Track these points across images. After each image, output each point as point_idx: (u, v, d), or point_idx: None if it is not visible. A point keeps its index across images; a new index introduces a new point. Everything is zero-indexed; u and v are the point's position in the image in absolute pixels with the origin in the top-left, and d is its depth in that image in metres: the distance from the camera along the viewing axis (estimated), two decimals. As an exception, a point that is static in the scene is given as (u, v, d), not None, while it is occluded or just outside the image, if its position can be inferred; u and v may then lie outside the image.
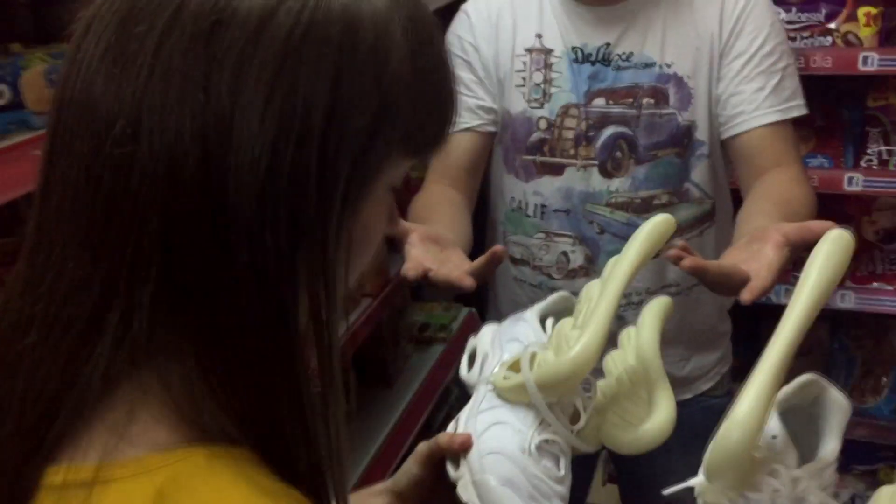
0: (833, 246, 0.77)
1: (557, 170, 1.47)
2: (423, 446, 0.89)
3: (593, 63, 1.44)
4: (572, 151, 1.46)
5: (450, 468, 0.88)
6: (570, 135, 1.45)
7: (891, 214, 2.29)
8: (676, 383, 1.52)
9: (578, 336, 0.86)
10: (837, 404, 0.82)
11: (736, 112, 1.42)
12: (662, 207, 1.45)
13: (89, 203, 0.53)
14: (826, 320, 2.42)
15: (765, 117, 1.41)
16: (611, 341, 0.90)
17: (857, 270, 2.25)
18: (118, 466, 0.52)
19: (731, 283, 1.09)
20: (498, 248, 1.15)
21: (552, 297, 1.04)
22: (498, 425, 0.88)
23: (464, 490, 0.85)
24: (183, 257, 0.52)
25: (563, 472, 0.87)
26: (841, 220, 1.19)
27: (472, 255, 1.24)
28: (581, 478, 1.73)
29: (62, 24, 0.58)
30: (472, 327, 2.15)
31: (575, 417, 0.89)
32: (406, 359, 2.33)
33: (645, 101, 1.44)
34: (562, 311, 1.01)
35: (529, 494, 0.84)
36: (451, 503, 0.86)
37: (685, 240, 1.45)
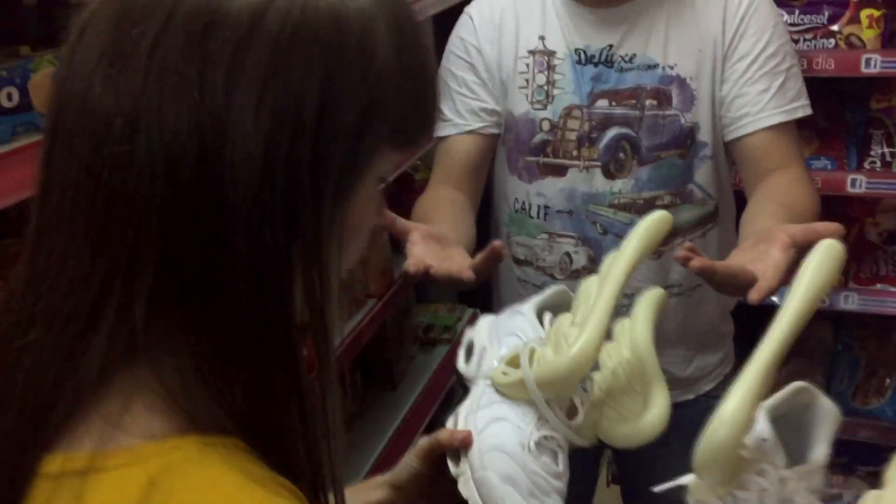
0: (825, 254, 0.79)
1: (560, 171, 1.47)
2: (423, 441, 0.90)
3: (596, 65, 1.45)
4: (575, 153, 1.46)
5: (450, 464, 0.89)
6: (573, 136, 1.46)
7: (894, 216, 2.29)
8: (679, 384, 1.54)
9: (578, 334, 0.87)
10: (827, 412, 0.85)
11: (741, 114, 1.42)
12: (665, 208, 1.45)
13: (89, 201, 0.54)
14: (830, 321, 2.42)
15: (770, 119, 1.42)
16: (608, 337, 0.91)
17: (860, 272, 2.25)
18: (112, 455, 0.53)
19: (738, 284, 1.09)
20: (497, 243, 1.15)
21: (549, 291, 1.05)
22: (498, 422, 0.89)
23: (465, 486, 0.86)
24: (181, 252, 0.53)
25: (561, 467, 0.88)
26: (844, 221, 1.20)
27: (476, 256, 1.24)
28: (586, 479, 1.73)
29: (70, 27, 0.59)
30: (476, 328, 2.14)
31: (572, 412, 0.90)
32: (410, 360, 2.34)
33: (648, 102, 1.44)
34: (558, 306, 1.01)
35: (529, 491, 0.85)
36: (451, 497, 0.87)
37: (688, 241, 1.46)
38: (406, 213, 1.38)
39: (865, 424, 2.23)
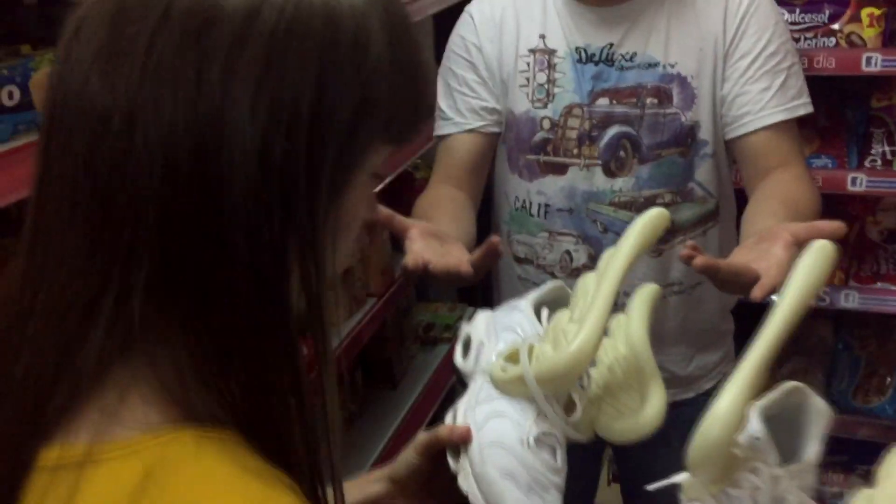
0: (817, 255, 0.81)
1: (561, 169, 1.48)
2: (422, 436, 0.90)
3: (597, 63, 1.45)
4: (575, 151, 1.46)
5: (450, 459, 0.89)
6: (573, 134, 1.46)
7: (895, 214, 2.29)
8: (679, 382, 1.55)
9: (576, 331, 0.87)
10: (819, 411, 0.86)
11: (742, 112, 1.43)
12: (666, 207, 1.45)
13: (86, 197, 0.55)
14: (830, 320, 2.42)
15: (771, 117, 1.42)
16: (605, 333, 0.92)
17: (861, 270, 2.25)
18: (108, 447, 0.54)
19: (741, 282, 1.09)
20: (494, 238, 1.15)
21: (546, 287, 1.05)
22: (497, 417, 0.89)
23: (465, 481, 0.86)
24: (177, 247, 0.54)
25: (559, 463, 0.89)
26: (845, 220, 1.20)
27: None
28: (588, 476, 1.74)
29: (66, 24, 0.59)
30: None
31: (569, 407, 0.91)
32: (411, 359, 2.34)
33: (648, 100, 1.44)
34: (556, 301, 1.02)
35: (528, 486, 0.85)
36: (449, 492, 0.87)
37: (688, 239, 1.46)
38: (406, 211, 1.38)
39: (866, 423, 2.23)
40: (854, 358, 2.38)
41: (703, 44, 1.44)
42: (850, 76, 2.09)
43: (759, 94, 1.42)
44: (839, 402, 2.30)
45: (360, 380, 2.16)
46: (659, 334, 1.45)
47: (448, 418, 0.92)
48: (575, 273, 1.49)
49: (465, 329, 1.04)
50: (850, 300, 2.19)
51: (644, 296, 0.95)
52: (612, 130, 1.45)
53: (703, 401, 1.70)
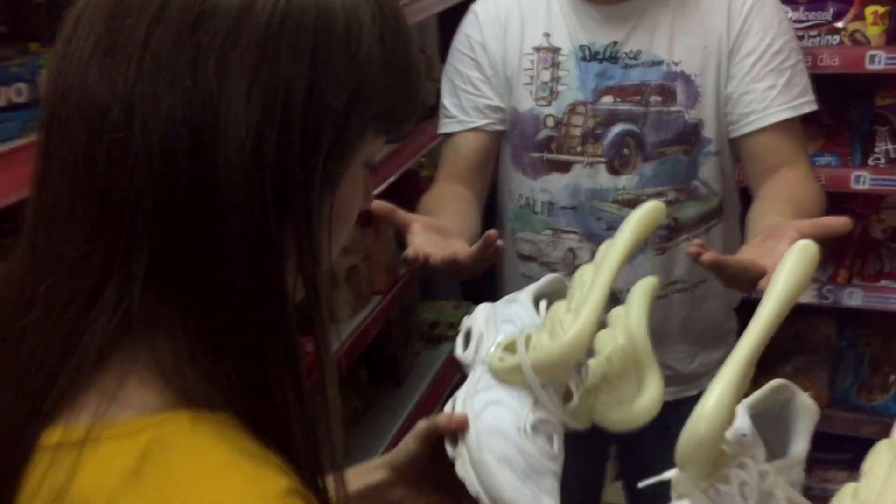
0: (800, 255, 0.82)
1: (565, 167, 1.48)
2: (421, 424, 0.92)
3: (601, 61, 1.46)
4: (579, 149, 1.47)
5: (448, 447, 0.90)
6: (577, 132, 1.47)
7: (899, 213, 2.30)
8: (682, 380, 1.55)
9: (572, 320, 0.89)
10: (806, 408, 0.88)
11: (747, 111, 1.43)
12: (669, 205, 1.46)
13: (87, 187, 0.56)
14: (834, 318, 2.42)
15: (776, 115, 1.42)
16: (603, 325, 0.93)
17: (865, 268, 2.26)
18: (107, 427, 0.55)
19: (748, 278, 1.10)
20: (491, 232, 1.16)
21: (545, 279, 1.07)
22: (494, 405, 0.90)
23: (462, 468, 0.88)
24: (175, 236, 0.56)
25: (556, 450, 0.90)
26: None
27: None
28: (594, 474, 1.75)
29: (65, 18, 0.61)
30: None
31: (568, 396, 0.92)
32: (416, 356, 2.35)
33: (653, 98, 1.45)
34: (554, 293, 1.03)
35: (525, 472, 0.86)
36: (448, 479, 0.88)
37: (692, 237, 1.47)
38: (411, 210, 1.39)
39: (869, 421, 2.23)
40: (858, 356, 2.38)
41: (708, 42, 1.44)
42: (853, 74, 2.09)
43: (764, 92, 1.42)
44: (843, 400, 2.30)
45: (365, 377, 2.16)
46: (662, 332, 1.46)
47: (447, 408, 0.94)
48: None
49: (466, 321, 1.06)
50: (854, 298, 2.20)
51: (643, 288, 0.96)
52: (616, 128, 1.45)
53: (707, 398, 1.70)
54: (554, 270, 1.52)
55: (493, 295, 1.72)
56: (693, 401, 1.65)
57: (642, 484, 0.85)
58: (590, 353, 0.96)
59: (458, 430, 0.89)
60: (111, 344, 0.57)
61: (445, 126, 1.55)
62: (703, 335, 1.57)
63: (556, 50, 1.47)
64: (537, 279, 1.53)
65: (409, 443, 0.92)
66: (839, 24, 2.09)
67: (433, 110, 1.64)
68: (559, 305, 0.96)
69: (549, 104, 1.47)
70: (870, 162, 2.18)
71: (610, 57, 1.45)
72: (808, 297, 2.20)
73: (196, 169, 0.55)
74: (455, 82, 1.53)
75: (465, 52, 1.52)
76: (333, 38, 0.58)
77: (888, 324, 2.36)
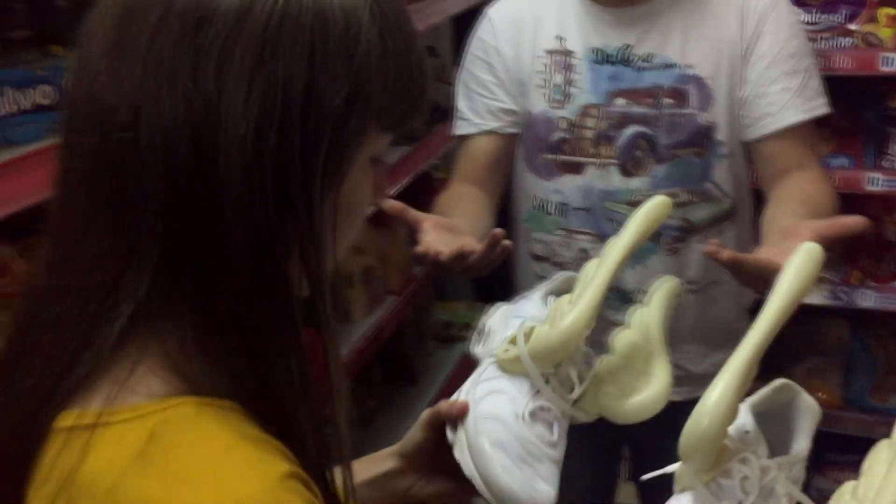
0: (805, 256, 0.84)
1: (577, 169, 1.49)
2: (426, 412, 0.95)
3: (614, 64, 1.47)
4: (592, 150, 1.48)
5: (449, 432, 0.93)
6: (590, 134, 1.48)
7: (913, 214, 2.29)
8: (694, 380, 1.55)
9: (570, 309, 0.91)
10: (808, 408, 0.90)
11: (761, 114, 1.44)
12: (682, 206, 1.47)
13: (101, 185, 0.59)
14: (847, 320, 2.42)
15: (790, 118, 1.43)
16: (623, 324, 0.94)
17: (878, 270, 2.25)
18: (118, 412, 0.58)
19: (765, 277, 1.11)
20: (497, 230, 1.17)
21: (559, 276, 1.09)
22: (495, 393, 0.93)
23: (459, 452, 0.90)
24: (181, 230, 0.58)
25: (556, 437, 0.91)
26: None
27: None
28: (607, 475, 1.76)
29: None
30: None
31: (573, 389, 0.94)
32: (430, 356, 2.37)
33: (665, 101, 1.46)
34: (567, 290, 1.05)
35: (520, 456, 0.88)
36: (454, 467, 0.91)
37: (704, 238, 1.48)
38: (426, 212, 1.41)
39: (883, 422, 2.21)
40: (871, 357, 2.38)
41: (721, 45, 1.45)
42: (866, 76, 2.09)
43: (778, 95, 1.43)
44: (857, 401, 2.30)
45: (380, 376, 2.18)
46: (673, 332, 1.46)
47: (453, 397, 0.96)
48: (591, 271, 1.51)
49: (483, 320, 1.08)
50: (868, 300, 2.19)
51: (664, 288, 0.98)
52: (629, 130, 1.46)
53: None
54: (566, 270, 1.54)
55: (507, 295, 1.74)
56: (705, 401, 1.64)
57: (646, 477, 0.86)
58: (602, 350, 0.98)
59: (458, 417, 0.92)
60: (126, 334, 0.59)
61: (459, 128, 1.57)
62: (715, 336, 1.58)
63: (568, 53, 1.49)
64: (549, 279, 1.56)
65: (415, 431, 0.95)
66: (852, 27, 2.09)
67: (447, 113, 1.65)
68: (563, 298, 0.98)
69: (561, 107, 1.49)
70: (883, 164, 2.18)
71: (622, 60, 1.47)
72: (821, 299, 2.20)
73: (198, 167, 0.57)
74: (469, 85, 1.55)
75: (479, 55, 1.54)
76: (331, 39, 0.60)
77: (902, 325, 2.36)
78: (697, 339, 1.56)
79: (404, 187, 2.06)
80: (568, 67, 1.48)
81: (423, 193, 2.08)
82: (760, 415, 0.86)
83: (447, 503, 0.96)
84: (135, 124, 0.57)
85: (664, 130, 1.46)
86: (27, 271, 0.66)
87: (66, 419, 0.59)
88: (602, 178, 1.48)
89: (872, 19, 2.08)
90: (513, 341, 0.96)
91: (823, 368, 2.34)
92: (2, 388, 0.64)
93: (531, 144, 1.53)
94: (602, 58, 1.47)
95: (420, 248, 1.19)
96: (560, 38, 1.49)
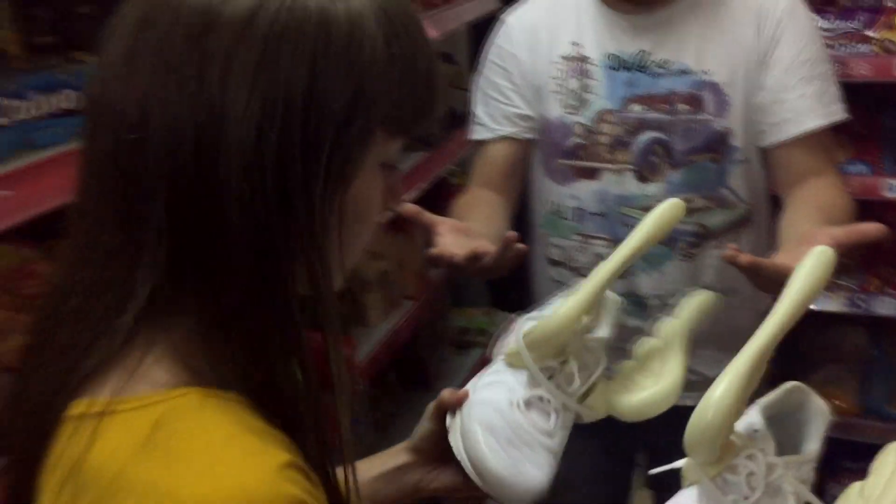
0: (816, 259, 0.85)
1: (593, 174, 1.50)
2: (433, 403, 0.97)
3: (630, 70, 1.47)
4: (608, 156, 1.48)
5: (448, 419, 0.95)
6: (605, 140, 1.48)
7: (931, 221, 2.28)
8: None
9: (566, 300, 0.94)
10: (819, 410, 0.90)
11: (779, 120, 1.44)
12: (698, 212, 1.47)
13: (114, 185, 0.62)
14: (866, 327, 2.41)
15: (807, 124, 1.43)
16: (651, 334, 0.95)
17: (896, 277, 2.25)
18: (125, 401, 0.60)
19: (781, 282, 1.11)
20: (511, 233, 1.18)
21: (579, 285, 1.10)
22: (494, 384, 0.95)
23: (453, 436, 0.93)
24: (186, 228, 0.60)
25: (552, 427, 0.92)
26: (881, 226, 1.21)
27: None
28: (620, 480, 1.75)
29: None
30: (511, 330, 2.17)
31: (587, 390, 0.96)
32: (445, 361, 2.37)
33: (681, 107, 1.46)
34: None
35: (508, 440, 0.90)
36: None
37: (720, 244, 1.48)
38: (442, 215, 1.42)
39: (901, 430, 2.22)
40: (889, 365, 2.37)
41: (737, 51, 1.45)
42: (884, 82, 2.09)
43: (796, 101, 1.43)
44: (875, 409, 2.29)
45: (395, 381, 2.19)
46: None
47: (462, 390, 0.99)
48: (607, 276, 1.52)
49: (505, 324, 1.11)
50: (887, 307, 2.18)
51: (697, 300, 1.00)
52: (645, 136, 1.47)
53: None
54: (582, 275, 1.53)
55: (524, 301, 1.75)
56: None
57: (654, 471, 0.87)
58: (622, 356, 0.99)
59: (457, 404, 0.95)
60: (136, 328, 0.62)
61: (476, 133, 1.58)
62: (731, 341, 1.56)
63: (584, 59, 1.49)
64: (566, 283, 1.56)
65: (423, 422, 0.98)
66: (869, 33, 2.09)
67: (464, 119, 1.67)
68: (566, 293, 1.01)
69: (577, 112, 1.49)
70: (901, 170, 2.18)
71: (638, 66, 1.47)
72: (839, 306, 2.19)
73: (199, 167, 0.59)
74: (486, 91, 1.56)
75: (496, 61, 1.55)
76: (333, 45, 0.61)
77: (921, 333, 2.34)
78: (713, 344, 1.56)
79: (421, 192, 2.07)
80: (584, 73, 1.49)
81: (439, 199, 2.09)
82: (772, 417, 0.87)
83: (458, 497, 0.98)
84: (143, 126, 0.60)
85: (680, 136, 1.46)
86: (52, 270, 0.68)
87: (77, 407, 0.62)
88: (618, 183, 1.48)
89: (890, 26, 2.08)
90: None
91: (841, 376, 2.33)
92: (21, 377, 0.67)
93: (547, 150, 1.54)
94: (618, 64, 1.48)
95: (435, 251, 1.20)
96: (576, 44, 1.50)
